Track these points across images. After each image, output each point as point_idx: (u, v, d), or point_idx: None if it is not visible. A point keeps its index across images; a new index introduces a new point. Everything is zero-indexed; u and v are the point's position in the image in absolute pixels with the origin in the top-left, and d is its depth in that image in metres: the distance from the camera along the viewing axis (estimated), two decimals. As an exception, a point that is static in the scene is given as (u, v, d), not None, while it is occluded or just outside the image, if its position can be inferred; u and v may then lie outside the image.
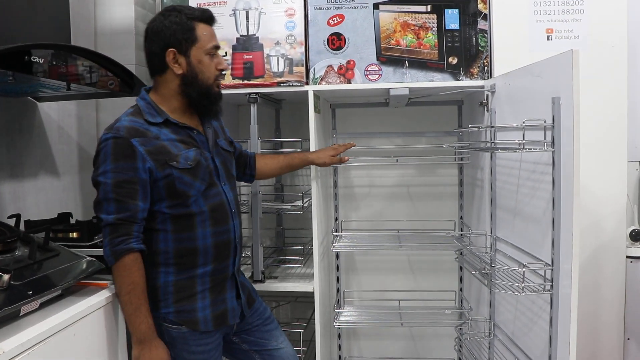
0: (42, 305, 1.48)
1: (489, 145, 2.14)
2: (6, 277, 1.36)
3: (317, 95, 2.35)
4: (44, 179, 2.32)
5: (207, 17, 1.72)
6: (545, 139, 1.66)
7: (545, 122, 1.66)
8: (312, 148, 2.26)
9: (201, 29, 1.69)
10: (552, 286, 1.68)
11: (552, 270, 1.68)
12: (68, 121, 2.51)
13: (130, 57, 2.70)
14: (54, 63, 1.73)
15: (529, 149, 1.71)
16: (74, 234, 1.93)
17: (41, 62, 1.64)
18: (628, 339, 2.33)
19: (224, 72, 1.79)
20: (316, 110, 2.33)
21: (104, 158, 1.57)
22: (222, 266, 1.73)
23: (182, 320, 1.66)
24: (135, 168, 1.57)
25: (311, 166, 2.27)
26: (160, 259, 1.65)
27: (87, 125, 2.66)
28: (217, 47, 1.73)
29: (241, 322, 1.84)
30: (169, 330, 1.66)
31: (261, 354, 1.92)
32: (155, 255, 1.65)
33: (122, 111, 2.68)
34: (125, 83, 2.09)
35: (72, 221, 2.14)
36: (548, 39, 2.27)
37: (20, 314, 1.39)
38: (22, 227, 1.92)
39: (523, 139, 1.70)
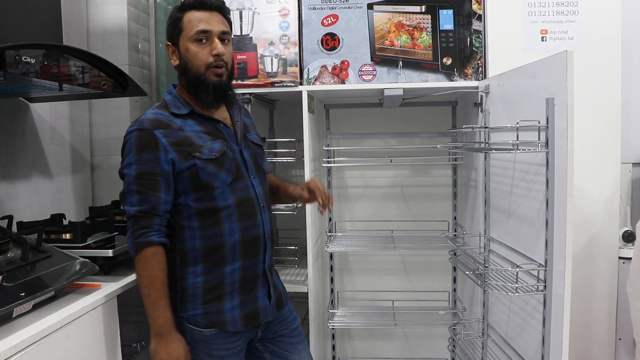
0: (35, 307, 1.48)
1: (483, 145, 2.14)
2: (-2, 278, 1.36)
3: (311, 95, 2.35)
4: (36, 180, 2.31)
5: (197, 3, 1.65)
6: (539, 139, 1.66)
7: (539, 122, 1.67)
8: (306, 148, 2.25)
9: (188, 16, 1.64)
10: (545, 287, 1.68)
11: (545, 270, 1.68)
12: (60, 122, 2.49)
13: (123, 58, 2.69)
14: (46, 63, 1.71)
15: (522, 149, 1.71)
16: (67, 235, 1.92)
17: (32, 62, 1.63)
18: (620, 339, 2.34)
19: (219, 58, 1.65)
20: (310, 110, 2.33)
21: (128, 150, 1.57)
22: (252, 263, 1.69)
23: (211, 322, 1.63)
24: (158, 159, 1.56)
25: (305, 165, 2.26)
26: (189, 257, 1.63)
27: (79, 126, 2.65)
28: (204, 32, 1.63)
29: (267, 330, 1.80)
30: (192, 332, 1.63)
31: None
32: (183, 254, 1.63)
33: (115, 112, 2.73)
34: (118, 83, 2.08)
35: (65, 222, 2.14)
36: (542, 40, 2.27)
37: (13, 316, 1.38)
38: (14, 228, 1.91)
39: (517, 139, 1.71)
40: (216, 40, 1.65)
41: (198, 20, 1.64)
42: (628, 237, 2.32)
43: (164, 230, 1.57)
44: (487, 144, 2.08)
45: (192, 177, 1.59)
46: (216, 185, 1.62)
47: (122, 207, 1.61)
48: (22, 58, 1.58)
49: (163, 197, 1.57)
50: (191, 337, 1.63)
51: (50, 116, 2.41)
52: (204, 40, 1.64)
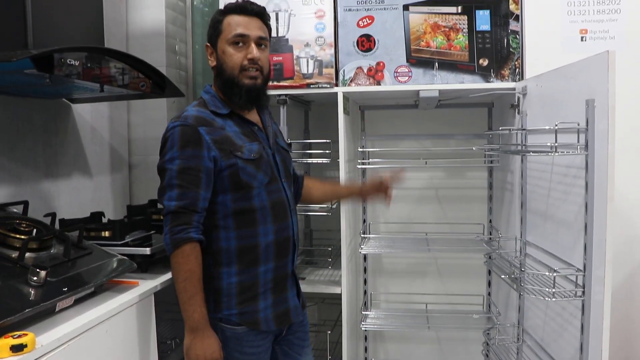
0: (76, 302, 1.52)
1: (520, 148, 2.12)
2: (43, 273, 1.40)
3: (346, 96, 2.35)
4: (77, 179, 2.37)
5: (238, 7, 1.69)
6: (578, 142, 1.63)
7: (578, 124, 1.64)
8: (342, 149, 2.26)
9: (228, 20, 1.69)
10: (583, 292, 1.65)
11: (584, 276, 1.65)
12: (100, 122, 2.55)
13: (161, 59, 2.74)
14: (88, 65, 1.76)
15: (561, 152, 1.68)
16: (106, 232, 1.97)
17: (76, 64, 1.67)
18: (662, 346, 2.28)
19: (253, 62, 1.68)
20: (345, 111, 2.34)
21: (171, 145, 1.58)
22: (282, 264, 1.72)
23: (244, 321, 1.65)
24: (201, 156, 1.58)
25: (340, 167, 2.27)
26: (223, 258, 1.64)
27: (118, 127, 2.71)
28: (241, 35, 1.67)
29: (289, 329, 1.81)
30: (224, 330, 1.65)
31: None
32: (217, 254, 1.65)
33: (152, 113, 2.78)
34: (156, 84, 2.12)
35: (104, 220, 2.19)
36: (582, 40, 2.23)
37: (56, 310, 1.42)
38: (57, 225, 1.96)
39: (555, 142, 1.68)
40: (252, 44, 1.68)
41: (237, 24, 1.68)
42: (669, 242, 2.25)
43: (201, 228, 1.59)
44: (524, 146, 2.05)
45: (232, 176, 1.62)
46: (254, 186, 1.65)
47: (159, 202, 1.61)
48: (67, 61, 1.62)
49: (202, 193, 1.58)
50: (223, 335, 1.65)
51: (91, 116, 2.47)
52: (240, 44, 1.68)
